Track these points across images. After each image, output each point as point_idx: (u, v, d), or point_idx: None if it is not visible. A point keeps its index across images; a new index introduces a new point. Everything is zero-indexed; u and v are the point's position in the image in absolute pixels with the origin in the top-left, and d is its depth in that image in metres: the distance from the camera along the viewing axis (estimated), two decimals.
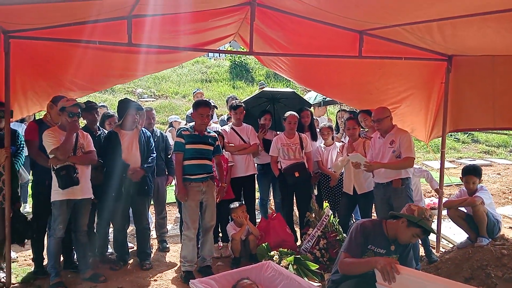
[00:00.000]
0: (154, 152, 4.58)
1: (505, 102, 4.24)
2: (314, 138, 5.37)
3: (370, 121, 4.70)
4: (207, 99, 5.76)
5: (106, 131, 4.61)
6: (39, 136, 3.90)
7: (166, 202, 5.56)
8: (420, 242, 4.27)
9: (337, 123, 6.42)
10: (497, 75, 4.18)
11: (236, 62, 18.83)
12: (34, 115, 5.00)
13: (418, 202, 4.38)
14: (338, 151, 5.06)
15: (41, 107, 4.55)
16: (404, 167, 4.06)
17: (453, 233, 5.04)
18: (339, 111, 6.36)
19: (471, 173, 4.23)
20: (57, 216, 3.80)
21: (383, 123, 4.17)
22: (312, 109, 6.28)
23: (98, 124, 4.70)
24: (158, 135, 5.06)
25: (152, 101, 14.81)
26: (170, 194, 6.56)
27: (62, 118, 3.87)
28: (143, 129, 4.56)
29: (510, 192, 8.15)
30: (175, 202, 6.42)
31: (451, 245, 4.79)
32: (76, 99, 4.05)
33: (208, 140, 4.22)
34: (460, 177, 4.41)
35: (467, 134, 13.84)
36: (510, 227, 6.01)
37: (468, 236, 4.23)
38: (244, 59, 18.74)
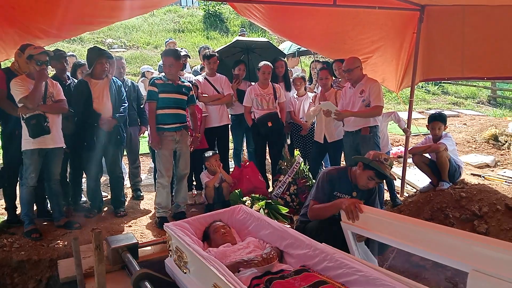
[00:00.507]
0: (126, 101, 4.53)
1: (473, 52, 4.33)
2: (288, 88, 5.40)
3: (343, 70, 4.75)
4: (179, 49, 5.66)
5: (77, 81, 4.52)
6: (7, 85, 3.80)
7: (140, 152, 5.58)
8: (385, 187, 4.48)
9: (310, 74, 6.44)
10: (467, 25, 4.25)
11: (210, 12, 18.28)
12: (0, 64, 4.82)
13: (384, 149, 4.56)
14: (311, 101, 5.12)
15: (7, 56, 4.41)
16: (372, 116, 4.17)
17: (417, 179, 5.29)
18: (313, 61, 6.36)
19: (437, 119, 4.41)
20: (28, 165, 3.78)
21: (354, 73, 4.23)
22: (286, 59, 6.27)
23: (68, 73, 4.59)
24: (129, 85, 4.99)
25: (123, 51, 14.38)
26: (144, 145, 6.56)
27: (30, 67, 3.77)
28: (114, 78, 4.48)
29: (474, 141, 8.50)
30: (148, 153, 6.44)
31: (414, 190, 5.04)
32: (44, 48, 3.92)
33: (182, 89, 4.19)
34: (426, 125, 4.56)
35: (437, 86, 14.14)
36: (472, 174, 6.32)
37: (430, 180, 4.46)
38: (218, 8, 18.20)
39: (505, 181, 5.90)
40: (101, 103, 4.24)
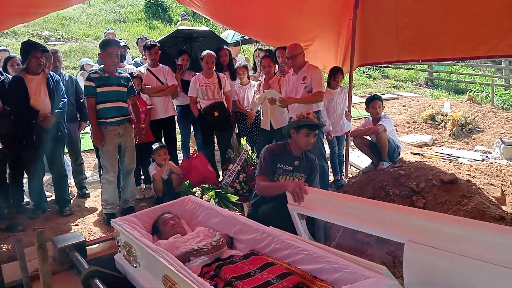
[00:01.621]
0: (65, 96, 4.36)
1: (407, 35, 4.53)
2: (233, 77, 5.39)
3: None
4: (119, 39, 5.51)
5: (11, 76, 4.29)
6: None
7: (83, 149, 5.41)
8: (330, 170, 4.65)
9: (254, 62, 6.49)
10: (399, 10, 4.43)
11: (152, 1, 17.80)
12: None
13: (337, 123, 4.73)
14: (255, 89, 5.18)
15: None
16: (314, 102, 4.29)
17: (360, 161, 5.53)
18: (256, 50, 6.41)
19: (374, 98, 4.63)
20: None
21: (297, 59, 4.32)
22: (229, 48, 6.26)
23: (0, 69, 4.35)
24: (67, 78, 4.80)
25: (61, 44, 13.71)
26: (87, 141, 6.36)
27: None
28: (51, 72, 4.30)
29: (413, 122, 8.96)
30: (92, 149, 6.26)
31: (358, 171, 5.26)
32: None
33: (120, 81, 4.10)
34: (365, 108, 4.76)
35: (378, 70, 14.70)
36: (412, 153, 6.68)
37: (371, 161, 4.68)
38: None
39: (442, 158, 6.31)
40: (38, 99, 4.07)
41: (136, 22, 16.43)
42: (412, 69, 14.74)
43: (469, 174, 4.39)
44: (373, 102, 4.64)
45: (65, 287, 2.99)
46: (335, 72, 4.84)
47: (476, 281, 1.80)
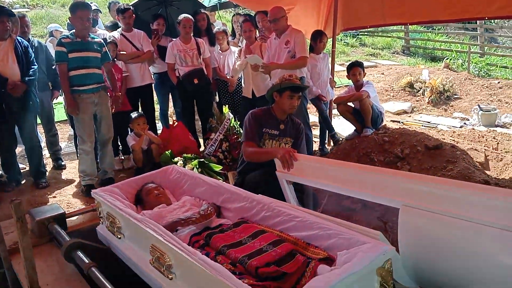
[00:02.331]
0: (35, 63, 4.12)
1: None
2: (212, 43, 5.19)
3: (267, 22, 4.67)
4: (90, 2, 5.19)
5: None
6: None
7: (57, 120, 5.18)
8: (314, 139, 4.60)
9: (232, 28, 6.27)
10: None
11: None
12: None
13: (323, 91, 4.65)
14: (236, 56, 5.01)
15: None
16: (298, 67, 4.18)
17: (343, 128, 5.50)
18: (234, 15, 6.19)
19: (355, 65, 4.57)
20: None
21: (279, 23, 4.18)
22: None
23: None
24: (36, 45, 4.53)
25: (26, 11, 12.98)
26: (60, 111, 6.10)
27: None
28: (18, 38, 4.03)
29: (391, 90, 8.99)
30: (66, 119, 6.01)
31: (341, 139, 5.23)
32: None
33: (93, 46, 3.88)
34: (346, 76, 4.69)
35: (355, 38, 14.61)
36: (392, 121, 6.71)
37: (355, 128, 4.65)
38: None
39: (422, 125, 6.36)
40: (6, 66, 3.84)
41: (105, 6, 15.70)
42: (389, 36, 14.72)
43: (453, 140, 4.42)
44: (353, 69, 4.58)
45: (47, 259, 2.88)
46: (320, 35, 4.71)
47: (472, 243, 1.79)
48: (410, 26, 13.45)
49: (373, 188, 2.13)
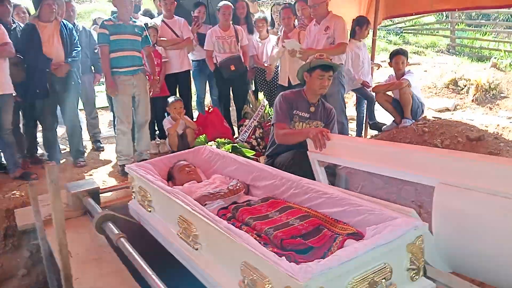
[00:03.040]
0: (79, 45, 4.25)
1: None
2: (250, 31, 5.20)
3: (306, 10, 4.62)
4: None
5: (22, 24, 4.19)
6: None
7: (98, 106, 5.34)
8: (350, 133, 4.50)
9: (272, 18, 6.25)
10: None
11: None
12: None
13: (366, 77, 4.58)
14: (274, 44, 4.98)
15: None
16: (337, 53, 4.08)
17: (381, 120, 5.33)
18: (274, 5, 6.17)
19: (399, 53, 4.42)
20: None
21: (319, 8, 4.10)
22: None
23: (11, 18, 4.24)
24: (81, 29, 4.68)
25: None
26: (101, 97, 6.29)
27: None
28: (64, 21, 4.18)
29: (434, 87, 8.67)
30: (107, 106, 6.18)
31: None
32: None
33: (134, 29, 3.96)
34: (388, 63, 4.55)
35: (399, 36, 14.22)
36: (433, 117, 6.46)
37: (394, 119, 4.50)
38: None
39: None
40: (51, 47, 3.98)
41: None
42: (434, 35, 14.22)
43: (497, 132, 4.19)
44: (396, 56, 4.43)
45: (79, 231, 2.97)
46: (365, 22, 4.58)
47: (509, 221, 1.67)
48: (456, 24, 12.95)
49: (408, 165, 2.03)
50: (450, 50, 13.72)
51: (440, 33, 14.15)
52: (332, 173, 2.89)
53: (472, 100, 7.71)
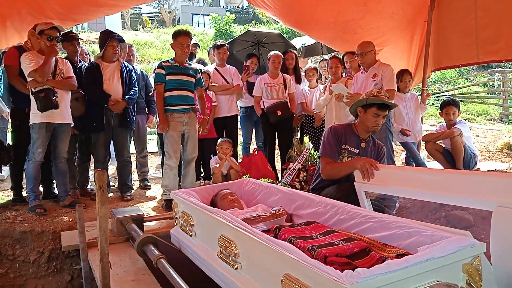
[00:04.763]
0: (136, 86, 4.52)
1: (488, 35, 4.25)
2: (298, 81, 5.36)
3: (355, 62, 4.72)
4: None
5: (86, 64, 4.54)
6: (19, 61, 3.80)
7: (148, 151, 5.54)
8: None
9: (319, 73, 6.42)
10: (479, 8, 4.20)
11: (221, 30, 18.63)
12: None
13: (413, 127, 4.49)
14: (321, 91, 5.08)
15: (20, 38, 4.44)
16: None
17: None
18: (321, 60, 6.35)
19: (450, 103, 4.32)
20: (36, 139, 3.74)
21: (367, 56, 4.17)
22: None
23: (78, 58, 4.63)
24: (139, 72, 4.99)
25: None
26: (152, 143, 6.54)
27: (40, 42, 3.78)
28: (125, 62, 4.49)
29: (487, 151, 8.34)
30: (156, 151, 6.40)
31: None
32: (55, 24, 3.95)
33: (189, 71, 4.17)
34: (439, 113, 4.47)
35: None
36: None
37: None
38: (229, 27, 18.54)
39: None
40: (111, 84, 4.24)
41: (205, 49, 17.13)
42: (485, 103, 13.93)
43: None
44: (447, 107, 4.35)
45: (120, 255, 2.97)
46: (402, 73, 4.62)
47: None
48: (509, 93, 12.69)
49: (464, 190, 1.92)
50: (503, 119, 13.33)
51: (492, 101, 13.86)
52: (379, 210, 2.78)
53: None
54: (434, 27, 4.59)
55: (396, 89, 4.33)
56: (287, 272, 1.60)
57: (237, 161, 5.07)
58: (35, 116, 3.72)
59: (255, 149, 5.19)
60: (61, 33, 3.93)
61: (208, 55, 6.79)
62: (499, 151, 8.26)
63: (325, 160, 2.99)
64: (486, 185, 1.85)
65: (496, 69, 14.35)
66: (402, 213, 3.35)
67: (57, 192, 4.18)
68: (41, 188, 4.11)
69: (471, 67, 15.97)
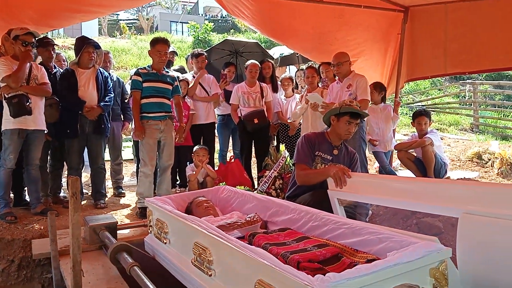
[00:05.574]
0: (112, 92, 4.48)
1: (456, 48, 4.42)
2: (275, 89, 5.41)
3: (331, 73, 4.81)
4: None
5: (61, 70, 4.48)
6: None
7: (124, 159, 5.48)
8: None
9: (296, 82, 6.50)
10: (449, 22, 4.36)
11: (200, 38, 18.64)
12: None
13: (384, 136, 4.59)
14: (297, 101, 5.15)
15: None
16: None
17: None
18: (297, 70, 6.44)
19: (422, 114, 4.45)
20: (7, 145, 3.66)
21: (343, 67, 4.26)
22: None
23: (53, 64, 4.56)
24: (115, 79, 4.95)
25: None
26: (126, 151, 6.47)
27: (15, 48, 3.72)
28: (100, 69, 4.45)
29: (458, 160, 8.58)
30: (131, 158, 6.34)
31: None
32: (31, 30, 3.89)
33: (166, 79, 4.17)
34: (411, 123, 4.59)
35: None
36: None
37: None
38: (207, 36, 18.57)
39: None
40: (86, 91, 4.19)
41: (183, 57, 17.11)
42: (457, 113, 14.36)
43: None
44: (419, 117, 4.48)
45: (93, 263, 2.93)
46: (377, 87, 4.73)
47: None
48: (480, 104, 13.13)
49: (431, 198, 1.99)
50: (474, 129, 13.74)
51: (463, 112, 14.29)
52: (352, 216, 2.83)
53: (497, 174, 7.55)
54: (407, 39, 4.73)
55: (370, 100, 4.43)
56: (261, 277, 1.61)
57: (213, 168, 5.07)
58: (7, 122, 3.65)
59: (232, 157, 5.21)
60: (37, 38, 3.88)
61: (186, 62, 6.79)
62: (469, 160, 8.50)
63: (300, 167, 3.04)
64: (453, 192, 1.92)
65: (468, 80, 14.82)
66: (375, 220, 3.42)
67: (28, 200, 4.10)
68: (12, 195, 4.02)
69: (444, 78, 16.49)
